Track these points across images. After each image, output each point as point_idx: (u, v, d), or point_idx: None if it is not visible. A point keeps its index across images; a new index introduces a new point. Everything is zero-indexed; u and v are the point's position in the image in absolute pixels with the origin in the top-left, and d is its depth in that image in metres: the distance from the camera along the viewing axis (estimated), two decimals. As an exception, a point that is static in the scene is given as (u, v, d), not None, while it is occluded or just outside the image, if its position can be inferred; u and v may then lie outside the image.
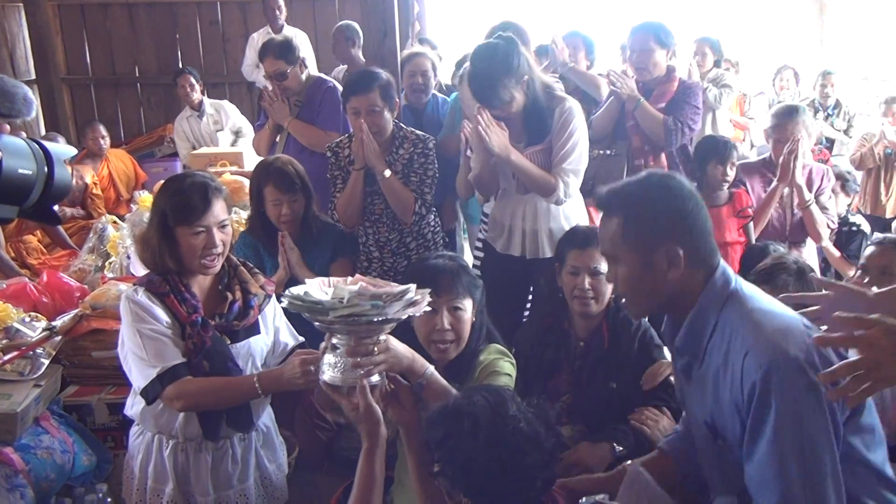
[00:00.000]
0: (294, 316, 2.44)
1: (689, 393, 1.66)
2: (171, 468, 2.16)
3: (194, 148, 6.34)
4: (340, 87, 4.01)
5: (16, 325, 2.65)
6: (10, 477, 2.33)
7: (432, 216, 3.26)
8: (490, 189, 3.04)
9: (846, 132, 6.29)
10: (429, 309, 1.77)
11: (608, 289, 2.38)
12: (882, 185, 5.30)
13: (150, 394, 2.03)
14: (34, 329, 2.70)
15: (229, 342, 2.17)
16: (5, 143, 0.92)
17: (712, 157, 3.52)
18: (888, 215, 5.22)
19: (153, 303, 2.09)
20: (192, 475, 2.18)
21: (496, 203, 3.09)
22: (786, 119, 3.53)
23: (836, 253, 3.75)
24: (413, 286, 1.69)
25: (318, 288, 1.72)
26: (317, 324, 1.68)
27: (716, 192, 3.54)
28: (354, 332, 1.66)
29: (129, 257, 3.52)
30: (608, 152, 3.75)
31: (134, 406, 2.20)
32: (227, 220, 2.16)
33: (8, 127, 0.94)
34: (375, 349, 1.70)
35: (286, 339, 2.36)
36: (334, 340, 1.70)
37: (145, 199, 4.01)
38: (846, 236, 4.03)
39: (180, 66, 7.04)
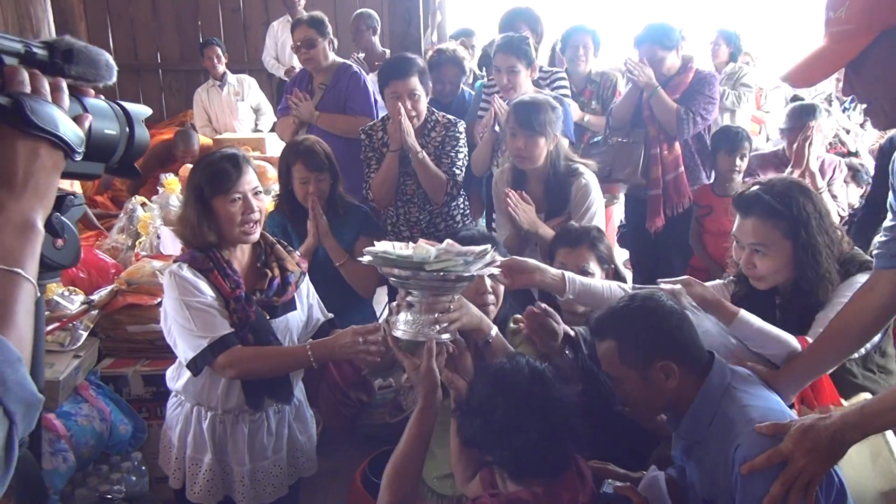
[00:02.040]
0: (323, 294, 2.54)
1: (689, 468, 1.75)
2: (210, 438, 2.25)
3: (209, 120, 6.45)
4: (362, 73, 4.11)
5: (56, 297, 2.74)
6: (53, 442, 2.42)
7: (461, 199, 3.34)
8: (519, 251, 3.11)
9: (862, 125, 6.29)
10: (499, 270, 1.83)
11: None
12: None
13: (200, 364, 2.10)
14: (73, 302, 2.79)
15: (268, 317, 2.25)
16: (92, 106, 0.98)
17: (722, 148, 3.60)
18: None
19: (198, 278, 2.15)
20: (230, 445, 2.27)
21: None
22: (799, 121, 3.52)
23: None
24: (490, 246, 1.75)
25: (391, 248, 1.76)
26: (393, 280, 1.71)
27: (728, 183, 3.61)
28: (435, 288, 1.70)
29: (158, 237, 3.61)
30: (625, 140, 3.84)
31: (178, 378, 2.28)
32: (260, 186, 2.23)
33: (92, 91, 1.01)
34: (451, 306, 1.76)
35: (318, 314, 2.45)
36: (410, 298, 1.74)
37: (171, 181, 4.11)
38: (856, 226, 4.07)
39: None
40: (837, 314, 1.84)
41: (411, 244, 1.77)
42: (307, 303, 2.41)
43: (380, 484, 2.34)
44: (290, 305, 2.32)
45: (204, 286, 2.15)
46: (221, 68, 6.34)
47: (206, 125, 6.49)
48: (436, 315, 1.73)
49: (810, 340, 1.90)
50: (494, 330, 1.93)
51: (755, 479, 1.51)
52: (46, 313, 2.71)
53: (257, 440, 2.29)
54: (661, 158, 3.78)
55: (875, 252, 1.74)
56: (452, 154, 3.17)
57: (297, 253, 2.46)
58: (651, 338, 1.66)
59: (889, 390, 1.51)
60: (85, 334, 2.75)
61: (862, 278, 1.91)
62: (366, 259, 1.72)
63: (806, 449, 1.46)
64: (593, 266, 2.41)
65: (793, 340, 1.89)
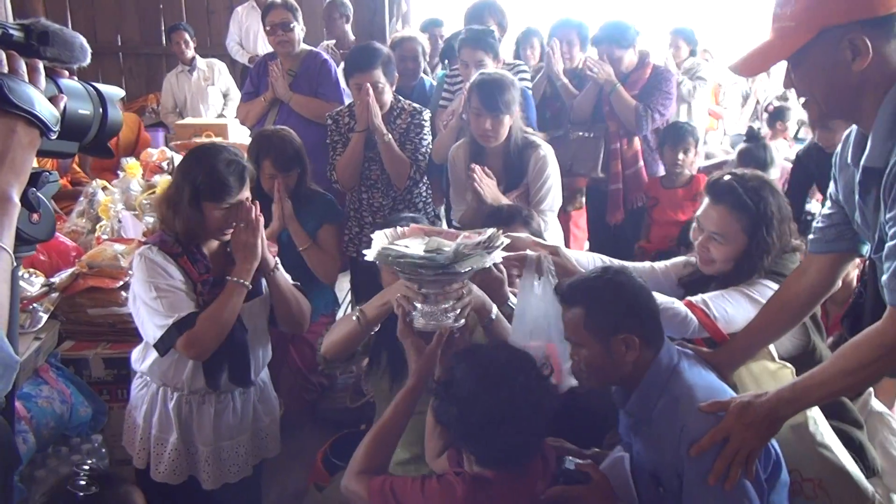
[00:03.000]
0: (291, 266, 2.56)
1: (635, 444, 1.84)
2: (176, 418, 2.28)
3: (177, 106, 6.39)
4: (331, 61, 4.13)
5: (16, 279, 2.72)
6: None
7: (424, 188, 3.40)
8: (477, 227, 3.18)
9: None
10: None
11: None
12: None
13: (166, 343, 2.13)
14: (33, 285, 2.78)
15: None
16: (67, 87, 1.02)
17: (668, 142, 3.74)
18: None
19: (167, 261, 2.19)
20: (195, 425, 2.31)
21: None
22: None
23: None
24: (498, 231, 1.80)
25: (385, 240, 1.80)
26: (408, 278, 1.75)
27: (674, 176, 3.77)
28: (450, 280, 1.73)
29: (119, 221, 3.58)
30: (587, 135, 3.92)
31: (144, 360, 2.30)
32: (249, 198, 2.27)
33: (67, 73, 1.05)
34: (463, 291, 1.81)
35: None
36: (424, 290, 1.76)
37: (132, 166, 4.07)
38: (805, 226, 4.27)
39: (163, 37, 7.05)
40: (775, 294, 1.95)
41: (402, 236, 1.80)
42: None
43: (341, 465, 2.42)
44: (257, 290, 2.35)
45: (173, 269, 2.19)
46: (190, 53, 6.28)
47: (172, 111, 6.43)
48: (451, 303, 1.77)
49: (704, 305, 2.01)
50: (496, 309, 1.98)
51: (700, 457, 1.60)
52: (6, 295, 2.71)
53: (223, 420, 2.34)
54: (621, 153, 3.89)
55: (810, 237, 1.85)
56: (416, 140, 3.23)
57: (267, 239, 2.45)
58: (619, 310, 1.73)
59: (818, 367, 1.60)
60: (45, 317, 2.75)
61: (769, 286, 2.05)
62: (371, 256, 1.73)
63: (744, 425, 1.56)
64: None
65: (679, 308, 2.00)
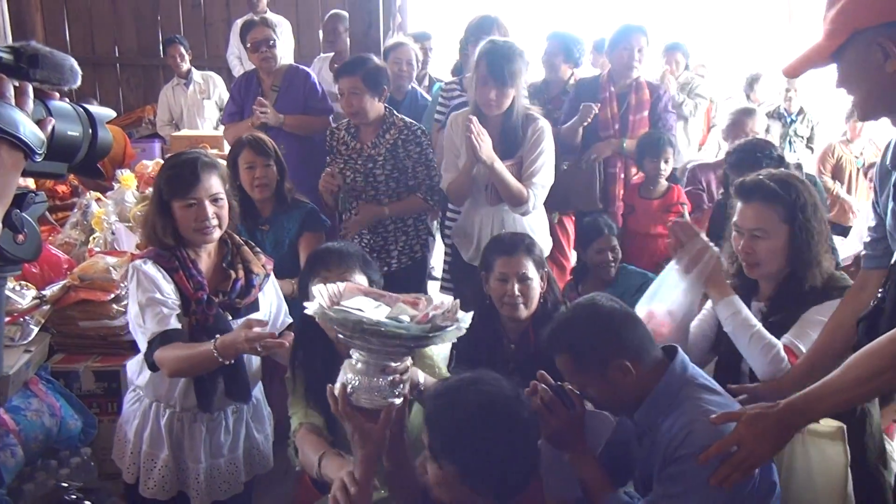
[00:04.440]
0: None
1: (639, 454, 1.86)
2: (167, 435, 2.26)
3: (173, 118, 6.41)
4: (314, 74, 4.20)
5: (7, 292, 2.72)
6: (1, 436, 2.42)
7: None
8: (464, 196, 3.16)
9: (809, 139, 6.51)
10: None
11: (536, 293, 2.44)
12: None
13: (149, 359, 2.13)
14: (24, 297, 2.79)
15: (231, 318, 2.26)
16: (56, 109, 1.03)
17: (647, 154, 3.73)
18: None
19: (160, 274, 2.18)
20: (187, 443, 2.29)
21: (463, 213, 3.24)
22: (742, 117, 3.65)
23: None
24: (449, 300, 1.69)
25: (323, 296, 1.64)
26: (363, 347, 1.58)
27: (653, 185, 3.77)
28: (397, 352, 1.60)
29: (113, 233, 3.59)
30: (577, 164, 3.84)
31: (140, 373, 2.29)
32: (221, 193, 2.25)
33: (57, 94, 1.06)
34: (409, 362, 1.69)
35: (283, 316, 2.47)
36: (362, 363, 1.61)
37: (127, 178, 4.08)
38: None
39: (161, 48, 7.07)
40: (832, 316, 1.94)
41: (352, 296, 1.66)
42: (271, 303, 2.42)
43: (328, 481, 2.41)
44: (253, 307, 2.34)
45: (164, 284, 2.17)
46: (185, 66, 6.30)
47: (168, 124, 6.44)
48: (395, 377, 1.63)
49: (795, 348, 1.99)
50: (420, 375, 1.92)
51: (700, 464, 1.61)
52: (-3, 308, 2.71)
53: (214, 438, 2.32)
54: (623, 179, 3.87)
55: (863, 253, 1.88)
56: (424, 160, 3.24)
57: (264, 256, 2.46)
58: (600, 341, 1.74)
59: (831, 376, 1.57)
60: (36, 329, 2.75)
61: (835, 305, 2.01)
62: (324, 317, 1.58)
63: (754, 435, 1.55)
64: (532, 271, 2.43)
65: (776, 342, 1.99)
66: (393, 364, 1.62)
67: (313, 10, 7.38)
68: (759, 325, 2.03)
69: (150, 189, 2.92)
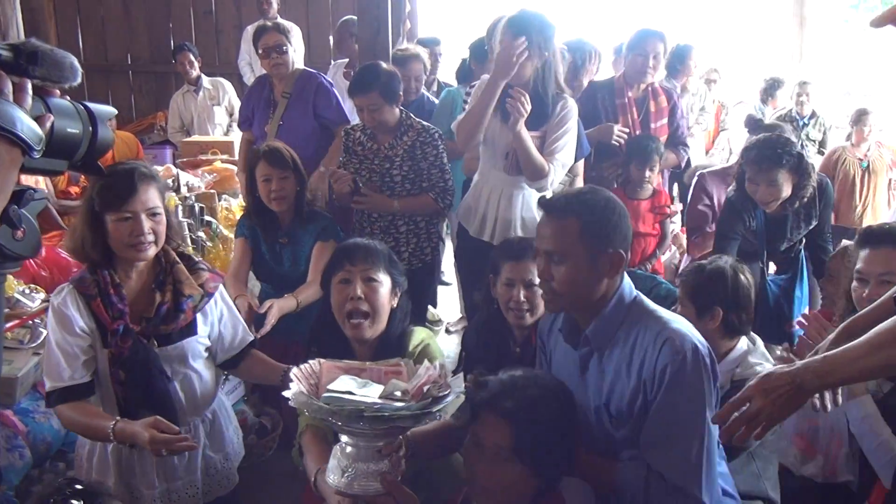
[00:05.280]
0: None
1: (577, 381, 1.86)
2: (114, 462, 2.15)
3: (183, 125, 6.45)
4: (328, 79, 4.17)
5: (16, 295, 2.75)
6: (10, 438, 2.43)
7: None
8: (471, 135, 3.04)
9: (821, 143, 6.49)
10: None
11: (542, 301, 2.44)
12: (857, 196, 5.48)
13: (50, 401, 2.08)
14: (33, 300, 2.81)
15: (157, 345, 2.12)
16: (56, 106, 1.04)
17: (635, 160, 3.71)
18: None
19: (77, 308, 2.06)
20: (137, 468, 2.16)
21: (472, 187, 3.22)
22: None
23: None
24: (431, 365, 1.67)
25: (301, 381, 1.59)
26: (346, 430, 1.53)
27: (638, 189, 3.76)
28: (397, 432, 1.56)
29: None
30: (592, 173, 3.82)
31: None
32: (159, 208, 2.09)
33: (58, 92, 1.06)
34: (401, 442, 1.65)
35: (241, 334, 2.33)
36: (355, 448, 1.55)
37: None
38: None
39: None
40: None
41: (331, 376, 1.60)
42: (216, 323, 2.26)
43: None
44: (189, 330, 2.17)
45: (80, 318, 2.06)
46: (195, 73, 6.35)
47: (179, 130, 6.49)
48: (393, 456, 1.58)
49: None
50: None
51: (674, 388, 1.68)
52: (7, 311, 2.73)
53: (168, 462, 2.17)
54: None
55: None
56: (439, 164, 3.23)
57: (208, 273, 2.26)
58: (612, 225, 1.76)
59: (853, 343, 1.52)
60: (45, 332, 2.75)
61: None
62: (313, 408, 1.50)
63: (763, 390, 1.52)
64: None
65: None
66: (387, 443, 1.57)
67: (323, 17, 7.43)
68: (888, 434, 1.97)
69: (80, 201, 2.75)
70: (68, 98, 1.09)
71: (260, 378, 2.48)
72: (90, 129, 1.08)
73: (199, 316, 2.18)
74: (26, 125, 0.94)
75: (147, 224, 2.04)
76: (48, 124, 1.00)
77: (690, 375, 1.69)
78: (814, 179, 3.10)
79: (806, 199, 3.11)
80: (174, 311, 2.12)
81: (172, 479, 2.19)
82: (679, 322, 1.78)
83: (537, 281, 2.36)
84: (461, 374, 1.63)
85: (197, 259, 2.28)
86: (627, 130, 3.73)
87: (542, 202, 1.84)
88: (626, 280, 1.83)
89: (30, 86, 0.98)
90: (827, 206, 3.30)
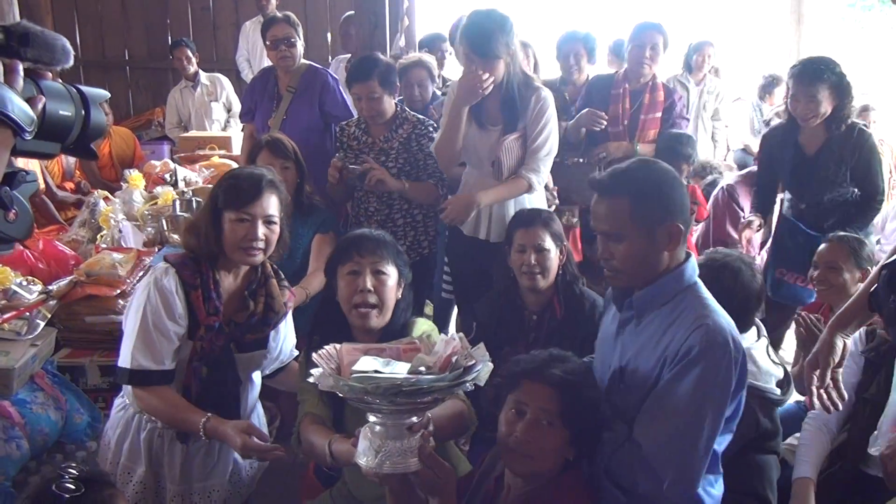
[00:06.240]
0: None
1: (608, 341, 1.89)
2: (145, 451, 2.16)
3: (181, 121, 6.46)
4: (335, 76, 4.15)
5: (14, 287, 2.75)
6: (7, 429, 2.43)
7: None
8: (449, 158, 3.09)
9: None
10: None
11: (554, 264, 2.60)
12: None
13: (118, 375, 2.09)
14: (31, 292, 2.80)
15: (236, 351, 2.18)
16: (48, 88, 1.03)
17: (673, 160, 3.64)
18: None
19: (177, 292, 2.07)
20: (166, 461, 2.18)
21: (462, 187, 3.21)
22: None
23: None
24: (458, 333, 1.68)
25: (328, 363, 1.59)
26: (376, 408, 1.52)
27: None
28: (426, 407, 1.56)
29: (120, 231, 3.62)
30: (581, 160, 3.86)
31: None
32: (276, 217, 2.15)
33: (50, 74, 1.07)
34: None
35: (289, 349, 2.40)
36: (383, 427, 1.54)
37: (135, 177, 4.11)
38: None
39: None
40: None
41: (352, 357, 1.60)
42: (280, 341, 2.34)
43: (332, 475, 2.41)
44: (262, 343, 2.25)
45: (178, 303, 2.07)
46: (192, 69, 6.36)
47: (177, 126, 6.49)
48: (423, 432, 1.57)
49: None
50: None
51: (682, 370, 1.68)
52: (3, 302, 2.73)
53: (195, 462, 2.20)
54: None
55: None
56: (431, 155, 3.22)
57: (288, 291, 2.35)
58: (664, 198, 1.74)
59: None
60: (42, 324, 2.76)
61: None
62: (345, 388, 1.49)
63: None
64: (549, 243, 2.60)
65: None
66: (417, 420, 1.57)
67: (321, 14, 7.43)
68: None
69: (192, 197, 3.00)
70: (60, 81, 1.09)
71: (290, 387, 2.45)
72: (83, 111, 1.08)
73: (272, 332, 2.25)
74: (17, 106, 0.94)
75: (262, 230, 2.10)
76: (40, 106, 1.00)
77: (709, 367, 1.64)
78: (853, 106, 3.20)
79: (843, 128, 3.18)
80: (262, 324, 2.19)
81: (196, 479, 2.20)
82: (725, 318, 1.73)
83: (547, 245, 2.58)
84: (481, 344, 1.62)
85: (282, 276, 2.33)
86: (605, 116, 3.73)
87: (592, 182, 1.80)
88: (692, 262, 1.80)
89: (21, 67, 0.98)
90: (867, 152, 3.25)
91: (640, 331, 1.79)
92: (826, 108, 3.16)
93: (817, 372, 1.95)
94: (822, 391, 1.92)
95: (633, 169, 1.79)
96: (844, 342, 1.97)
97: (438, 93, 4.29)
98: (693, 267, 1.80)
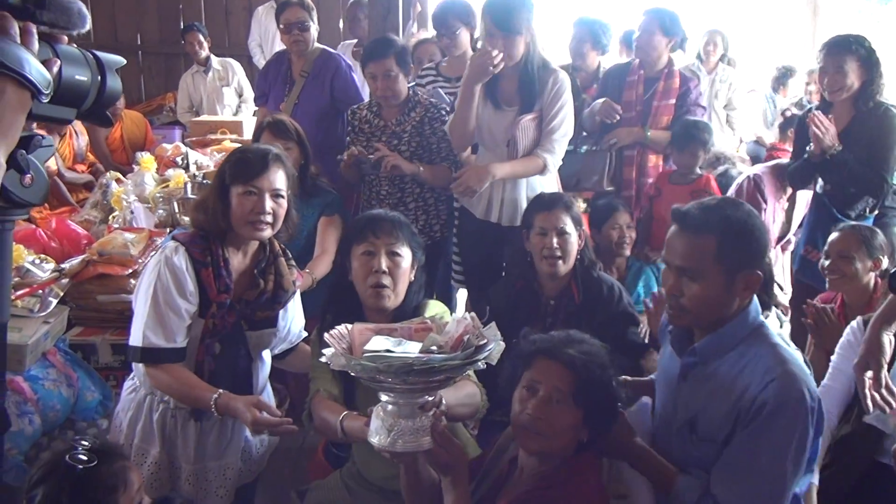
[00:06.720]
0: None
1: (674, 388, 1.82)
2: (159, 431, 2.17)
3: (192, 106, 6.46)
4: (348, 61, 4.14)
5: (27, 264, 2.76)
6: (20, 404, 2.45)
7: None
8: (464, 139, 3.11)
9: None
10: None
11: (574, 248, 2.58)
12: None
13: (130, 355, 2.10)
14: (44, 270, 2.82)
15: (246, 329, 2.20)
16: (63, 52, 1.02)
17: (688, 147, 3.65)
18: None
19: (187, 270, 2.07)
20: (180, 441, 2.19)
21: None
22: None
23: None
24: (468, 312, 1.67)
25: (340, 342, 1.60)
26: (388, 387, 1.52)
27: (688, 175, 3.70)
28: (437, 386, 1.57)
29: (132, 212, 3.63)
30: (595, 148, 3.86)
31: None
32: (283, 191, 2.15)
33: (66, 39, 1.06)
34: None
35: (297, 330, 2.41)
36: (395, 406, 1.55)
37: (147, 160, 4.12)
38: None
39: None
40: None
41: (363, 337, 1.60)
42: (289, 321, 2.35)
43: (341, 455, 2.42)
44: (272, 321, 2.26)
45: (188, 280, 2.07)
46: (204, 53, 6.35)
47: (188, 111, 6.49)
48: (435, 410, 1.58)
49: None
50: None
51: (770, 421, 1.62)
52: (17, 279, 2.74)
53: (208, 441, 2.21)
54: (639, 162, 3.83)
55: None
56: (449, 139, 3.20)
57: (296, 271, 2.37)
58: (752, 245, 1.68)
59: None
60: (55, 301, 2.77)
61: None
62: (358, 367, 1.50)
63: None
64: (570, 226, 2.58)
65: None
66: (430, 399, 1.58)
67: (332, -1, 7.40)
68: None
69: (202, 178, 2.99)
70: (76, 45, 1.09)
71: (300, 369, 2.48)
72: (98, 77, 1.07)
73: (281, 311, 2.26)
74: (34, 68, 0.93)
75: (269, 203, 2.10)
76: (55, 69, 0.99)
77: (785, 423, 1.61)
78: (883, 83, 3.17)
79: (871, 105, 3.16)
80: (272, 302, 2.20)
81: (209, 458, 2.21)
82: (796, 364, 1.67)
83: (569, 229, 2.55)
84: (493, 324, 1.62)
85: (290, 255, 2.34)
86: (620, 109, 3.71)
87: (676, 214, 1.73)
88: (755, 303, 1.74)
89: (35, 30, 0.97)
90: (886, 129, 3.19)
91: (707, 378, 1.74)
92: (853, 80, 3.13)
93: (868, 374, 1.92)
94: (881, 392, 1.89)
95: (724, 207, 1.73)
96: (891, 339, 1.95)
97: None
98: (756, 308, 1.74)
